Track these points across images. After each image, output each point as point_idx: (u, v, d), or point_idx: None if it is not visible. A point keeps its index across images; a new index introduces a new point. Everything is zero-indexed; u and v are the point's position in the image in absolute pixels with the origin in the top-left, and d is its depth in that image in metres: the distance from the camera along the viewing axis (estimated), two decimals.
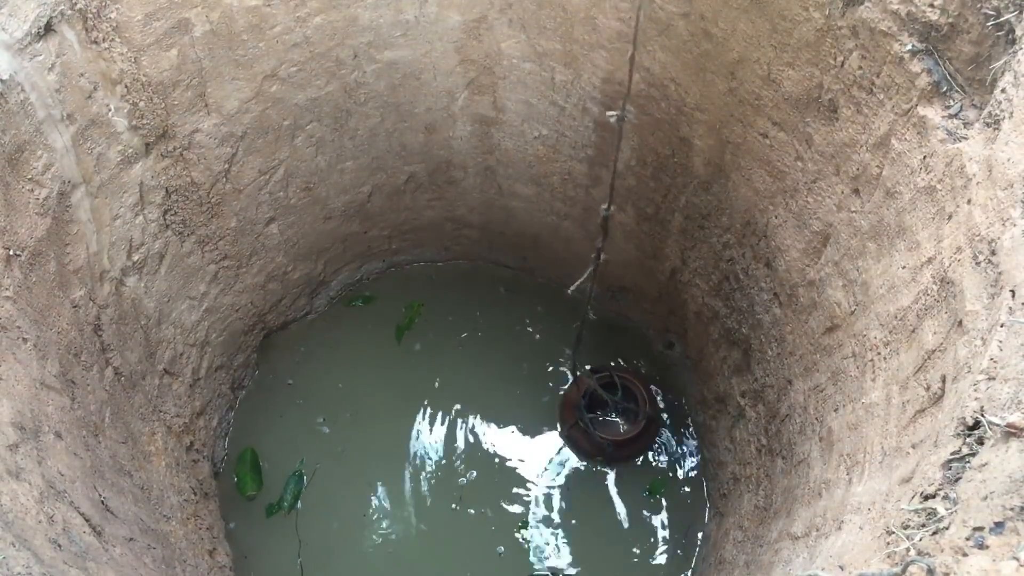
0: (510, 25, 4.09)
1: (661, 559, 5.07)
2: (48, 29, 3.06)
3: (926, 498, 1.72)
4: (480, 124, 4.78)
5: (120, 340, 3.88)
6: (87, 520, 2.90)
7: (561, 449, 5.43)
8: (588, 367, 5.44)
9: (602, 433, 5.25)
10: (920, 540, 1.60)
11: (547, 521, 5.20)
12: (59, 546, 2.55)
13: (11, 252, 2.99)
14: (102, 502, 3.18)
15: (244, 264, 4.91)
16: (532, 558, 5.07)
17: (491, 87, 4.49)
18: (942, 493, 1.68)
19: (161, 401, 4.32)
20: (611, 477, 5.35)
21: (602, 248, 3.93)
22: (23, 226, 3.07)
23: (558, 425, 5.50)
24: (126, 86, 3.53)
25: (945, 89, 2.47)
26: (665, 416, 5.53)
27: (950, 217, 2.39)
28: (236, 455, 5.27)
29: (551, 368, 5.72)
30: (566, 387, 5.56)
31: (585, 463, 5.39)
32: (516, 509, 5.23)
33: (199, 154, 4.10)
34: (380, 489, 5.27)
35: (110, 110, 3.51)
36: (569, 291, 4.02)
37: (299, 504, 5.17)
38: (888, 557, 1.73)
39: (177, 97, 3.80)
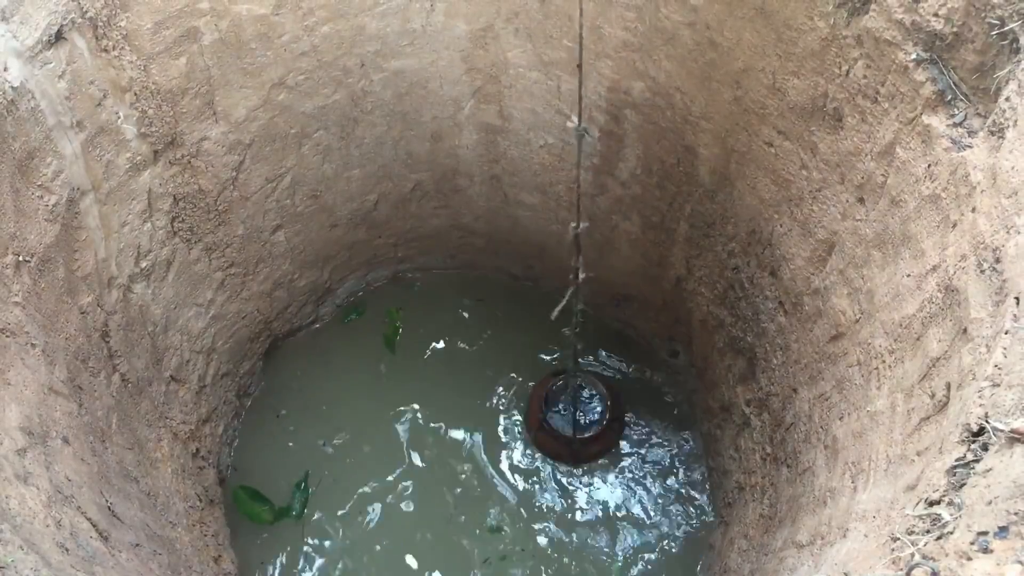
0: (516, 34, 4.11)
1: (665, 568, 5.06)
2: (59, 37, 3.09)
3: (931, 504, 1.72)
4: (486, 133, 4.79)
5: (127, 346, 3.89)
6: (94, 525, 2.91)
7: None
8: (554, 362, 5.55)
9: (566, 432, 5.30)
10: (925, 545, 1.60)
11: (546, 530, 5.19)
12: (66, 550, 2.56)
13: (20, 258, 3.01)
14: (109, 507, 3.19)
15: (251, 271, 4.93)
16: (529, 565, 5.08)
17: (497, 96, 4.51)
18: (947, 499, 1.68)
19: (167, 408, 4.33)
20: (610, 479, 5.35)
21: (578, 266, 4.01)
22: (32, 232, 3.10)
23: (526, 429, 5.56)
24: (135, 94, 3.56)
25: (950, 98, 2.48)
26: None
27: (955, 225, 2.40)
28: (233, 490, 5.22)
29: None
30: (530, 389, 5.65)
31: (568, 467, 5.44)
32: (512, 517, 5.24)
33: (207, 162, 4.12)
34: (379, 498, 5.28)
35: (119, 117, 3.53)
36: (552, 317, 4.11)
37: (304, 511, 5.19)
38: (893, 563, 1.73)
39: (186, 105, 3.82)
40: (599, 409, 5.42)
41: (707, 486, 5.30)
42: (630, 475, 5.38)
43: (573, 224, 3.89)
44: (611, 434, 5.43)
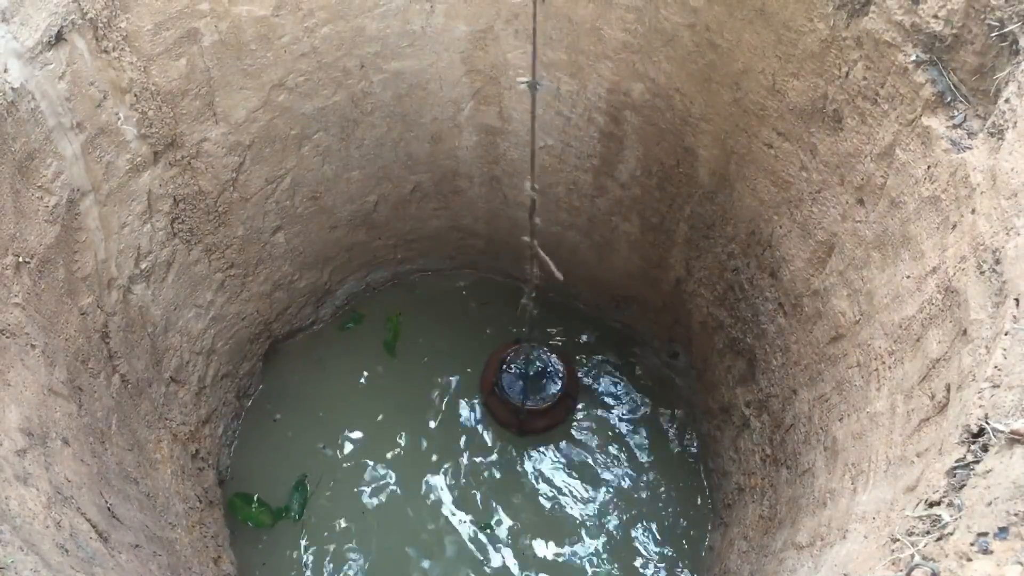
0: (516, 36, 4.11)
1: (664, 570, 5.06)
2: (59, 38, 3.08)
3: (931, 505, 1.72)
4: (486, 134, 4.80)
5: (127, 347, 3.89)
6: (94, 526, 2.91)
7: (562, 456, 5.44)
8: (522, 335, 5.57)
9: (514, 400, 5.30)
10: (925, 546, 1.60)
11: (546, 532, 5.20)
12: (66, 551, 2.56)
13: (21, 259, 3.00)
14: (108, 508, 3.19)
15: (250, 273, 4.93)
16: (531, 565, 5.08)
17: (497, 97, 4.52)
18: (947, 500, 1.68)
19: (167, 409, 4.33)
20: (610, 482, 5.35)
21: (534, 232, 4.10)
22: (32, 233, 3.09)
23: (479, 393, 5.59)
24: (135, 95, 3.56)
25: (949, 99, 2.48)
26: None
27: (954, 227, 2.40)
28: (229, 500, 5.22)
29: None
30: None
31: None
32: (512, 519, 5.25)
33: (207, 163, 4.12)
34: (377, 498, 5.28)
35: (119, 119, 3.53)
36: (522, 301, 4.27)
37: (303, 513, 5.19)
38: (892, 565, 1.73)
39: (186, 106, 3.82)
40: (551, 384, 5.41)
41: (705, 482, 5.32)
42: (621, 471, 5.42)
43: (529, 185, 3.90)
44: (561, 410, 5.43)
